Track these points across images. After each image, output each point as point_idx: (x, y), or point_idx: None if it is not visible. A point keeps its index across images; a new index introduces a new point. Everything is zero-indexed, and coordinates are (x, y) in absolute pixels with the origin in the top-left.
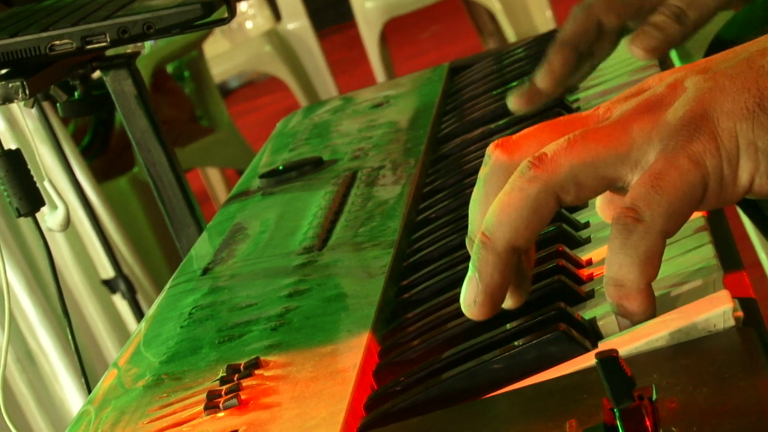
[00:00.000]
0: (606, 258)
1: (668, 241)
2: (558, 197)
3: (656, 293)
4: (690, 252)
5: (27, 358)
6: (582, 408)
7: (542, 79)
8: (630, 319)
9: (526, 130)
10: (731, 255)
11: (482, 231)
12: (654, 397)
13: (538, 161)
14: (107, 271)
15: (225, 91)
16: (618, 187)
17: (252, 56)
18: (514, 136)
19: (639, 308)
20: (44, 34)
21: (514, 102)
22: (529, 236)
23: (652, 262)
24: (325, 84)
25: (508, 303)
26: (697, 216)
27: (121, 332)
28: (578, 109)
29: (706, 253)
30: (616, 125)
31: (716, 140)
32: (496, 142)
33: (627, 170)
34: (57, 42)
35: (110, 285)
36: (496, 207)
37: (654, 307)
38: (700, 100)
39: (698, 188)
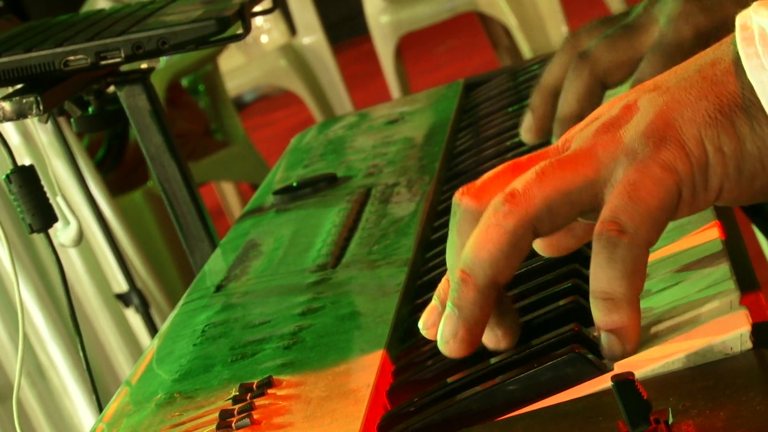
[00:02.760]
0: (591, 273)
1: (685, 262)
2: (534, 229)
3: (673, 315)
4: (706, 273)
5: (38, 372)
6: (597, 431)
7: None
8: (619, 337)
9: (488, 174)
10: (747, 275)
11: (461, 268)
12: (670, 420)
13: (511, 196)
14: (120, 285)
15: (240, 105)
16: (589, 211)
17: (267, 70)
18: (478, 182)
19: (630, 322)
20: (59, 50)
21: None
22: (509, 272)
23: (639, 274)
24: (340, 98)
25: (502, 344)
26: (714, 237)
27: (133, 347)
28: None
29: (723, 274)
30: (579, 151)
31: (684, 148)
32: (461, 189)
33: (598, 191)
34: (71, 57)
35: (123, 299)
36: (473, 244)
37: (640, 324)
38: (660, 113)
39: (674, 195)
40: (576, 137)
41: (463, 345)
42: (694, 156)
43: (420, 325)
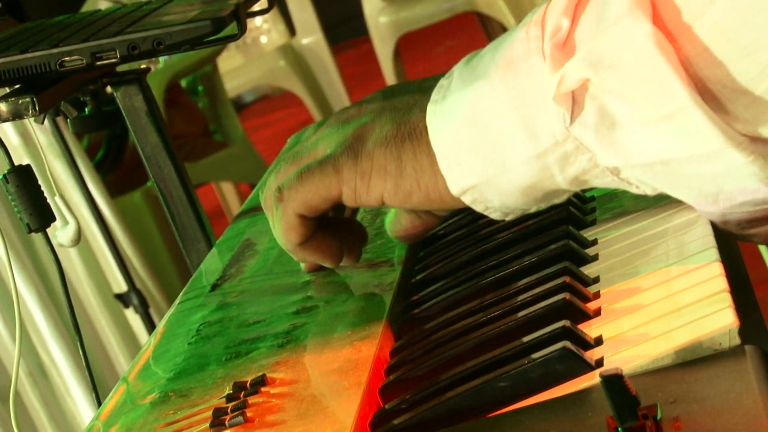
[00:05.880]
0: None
1: (676, 258)
2: (300, 216)
3: (662, 311)
4: (696, 270)
5: (39, 371)
6: (586, 427)
7: None
8: None
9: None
10: (739, 272)
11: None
12: (659, 415)
13: (279, 192)
14: (120, 285)
15: (239, 105)
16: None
17: (266, 71)
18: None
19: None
20: (54, 50)
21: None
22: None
23: (289, 231)
24: (340, 99)
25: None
26: (706, 234)
27: (133, 346)
28: None
29: (713, 271)
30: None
31: (356, 158)
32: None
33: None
34: (67, 58)
35: (123, 299)
36: (275, 227)
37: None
38: (357, 129)
39: (332, 189)
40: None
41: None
42: (360, 167)
43: None
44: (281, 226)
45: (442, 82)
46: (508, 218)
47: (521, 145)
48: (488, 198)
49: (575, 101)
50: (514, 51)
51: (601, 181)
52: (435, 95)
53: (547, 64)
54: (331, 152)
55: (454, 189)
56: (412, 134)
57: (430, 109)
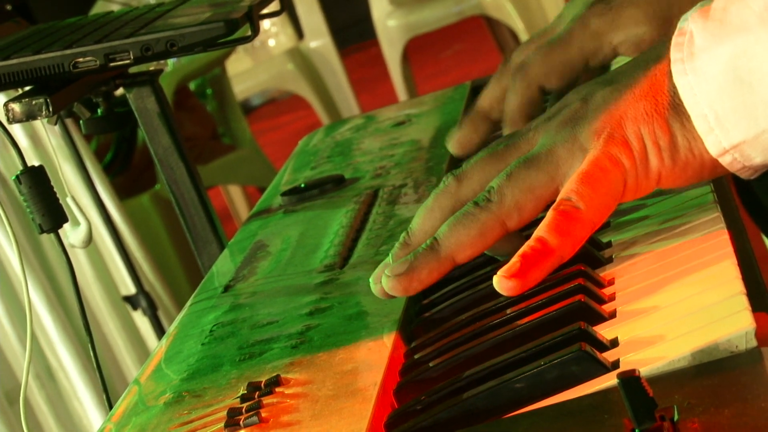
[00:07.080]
0: (537, 229)
1: (691, 260)
2: (504, 224)
3: (678, 313)
4: (713, 272)
5: (46, 374)
6: (603, 428)
7: None
8: (519, 275)
9: (471, 161)
10: (753, 274)
11: (435, 236)
12: (675, 417)
13: (488, 194)
14: (128, 288)
15: (247, 108)
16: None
17: (274, 74)
18: (462, 167)
19: (539, 270)
20: (68, 52)
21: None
22: (470, 254)
23: (573, 243)
24: (348, 102)
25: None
26: (721, 237)
27: (141, 349)
28: None
29: (729, 273)
30: (542, 149)
31: (628, 143)
32: (450, 172)
33: (558, 184)
34: (80, 59)
35: (131, 301)
36: (450, 224)
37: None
38: (607, 112)
39: (619, 183)
40: (542, 131)
41: (396, 288)
42: (636, 150)
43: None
44: (570, 233)
45: (677, 39)
46: (753, 176)
47: None
48: (750, 156)
49: None
50: None
51: None
52: (675, 54)
53: None
54: (594, 147)
55: (714, 149)
56: (671, 103)
57: (677, 69)
